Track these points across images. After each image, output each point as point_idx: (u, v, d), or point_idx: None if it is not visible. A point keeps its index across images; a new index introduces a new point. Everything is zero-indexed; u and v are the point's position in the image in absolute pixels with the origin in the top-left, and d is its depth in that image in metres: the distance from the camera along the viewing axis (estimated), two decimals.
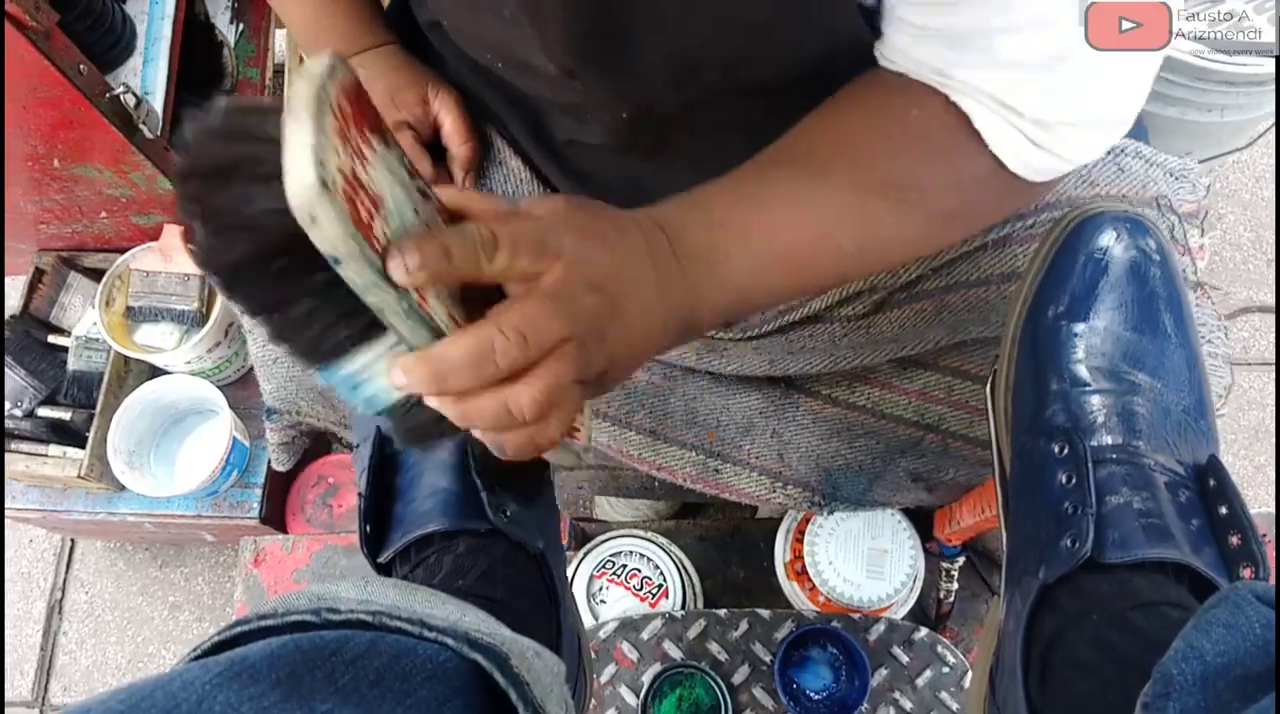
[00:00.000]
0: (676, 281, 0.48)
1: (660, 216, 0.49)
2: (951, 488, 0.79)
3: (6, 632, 1.53)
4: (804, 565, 0.89)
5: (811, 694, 0.88)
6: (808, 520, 0.91)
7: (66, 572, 1.60)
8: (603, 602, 0.95)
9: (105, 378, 1.27)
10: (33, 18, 0.89)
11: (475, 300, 0.43)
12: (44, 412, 1.27)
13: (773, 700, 0.87)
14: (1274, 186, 1.70)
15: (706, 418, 0.78)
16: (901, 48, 0.51)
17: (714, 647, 0.89)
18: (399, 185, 0.40)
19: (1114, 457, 0.51)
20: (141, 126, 1.07)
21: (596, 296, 0.43)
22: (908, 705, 0.86)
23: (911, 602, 1.11)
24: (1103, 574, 0.49)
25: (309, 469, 1.42)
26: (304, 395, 0.82)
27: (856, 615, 0.90)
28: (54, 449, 1.25)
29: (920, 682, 0.87)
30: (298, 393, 0.81)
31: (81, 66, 0.98)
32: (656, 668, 0.87)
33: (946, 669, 0.88)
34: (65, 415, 1.27)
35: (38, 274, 1.32)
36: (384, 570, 0.56)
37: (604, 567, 0.96)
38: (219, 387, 1.29)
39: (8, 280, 1.41)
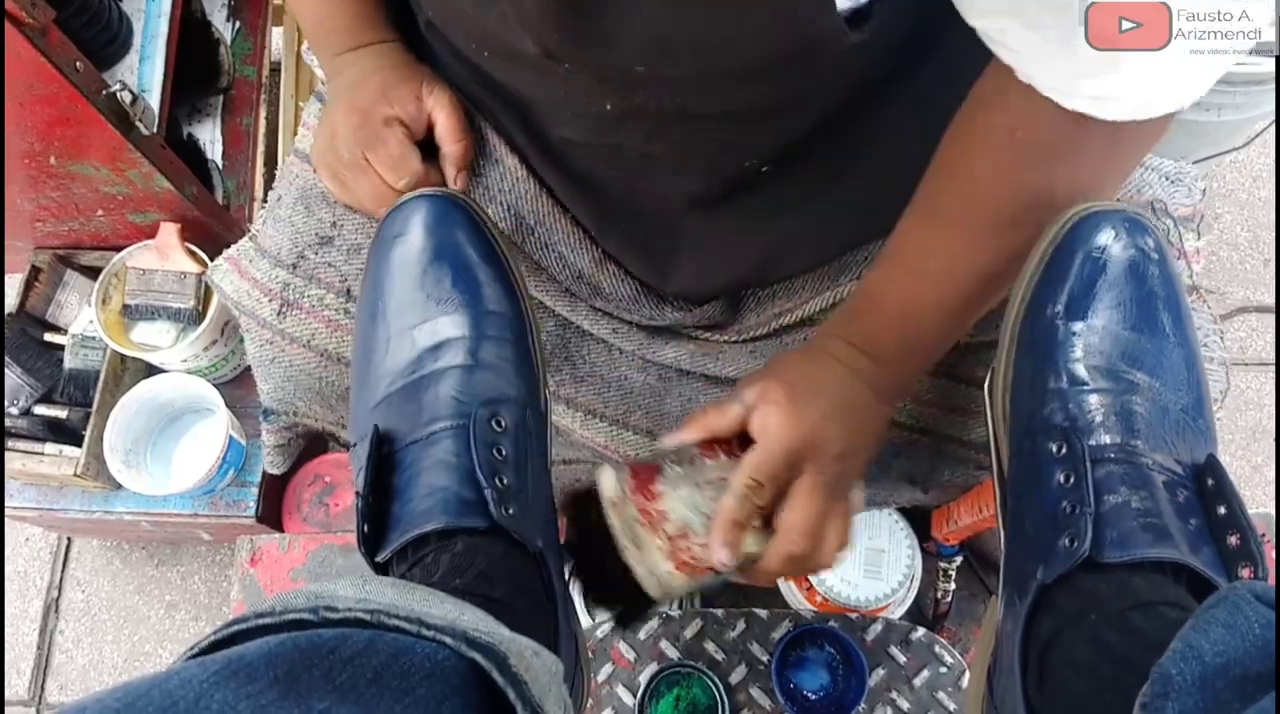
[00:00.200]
0: (885, 383, 0.59)
1: (847, 335, 0.60)
2: (947, 489, 0.79)
3: (4, 630, 1.53)
4: None
5: (809, 694, 0.88)
6: None
7: (63, 570, 1.59)
8: None
9: (101, 376, 1.27)
10: (29, 14, 0.89)
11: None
12: (40, 410, 1.27)
13: (770, 700, 0.87)
14: (1272, 186, 1.70)
15: None
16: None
17: (711, 646, 0.89)
18: (690, 488, 0.58)
19: (1112, 456, 0.51)
20: (138, 124, 1.06)
21: (839, 456, 0.57)
22: (905, 705, 0.87)
23: (909, 601, 1.11)
24: (1101, 574, 0.49)
25: (305, 468, 1.41)
26: (301, 396, 0.81)
27: (854, 615, 0.90)
28: (50, 447, 1.24)
29: (917, 682, 0.87)
30: (295, 393, 0.81)
31: (78, 64, 0.97)
32: (653, 668, 0.87)
33: (944, 669, 0.88)
34: (61, 413, 1.27)
35: (34, 272, 1.32)
36: (381, 569, 0.55)
37: None
38: (215, 385, 1.28)
39: (4, 278, 1.40)
